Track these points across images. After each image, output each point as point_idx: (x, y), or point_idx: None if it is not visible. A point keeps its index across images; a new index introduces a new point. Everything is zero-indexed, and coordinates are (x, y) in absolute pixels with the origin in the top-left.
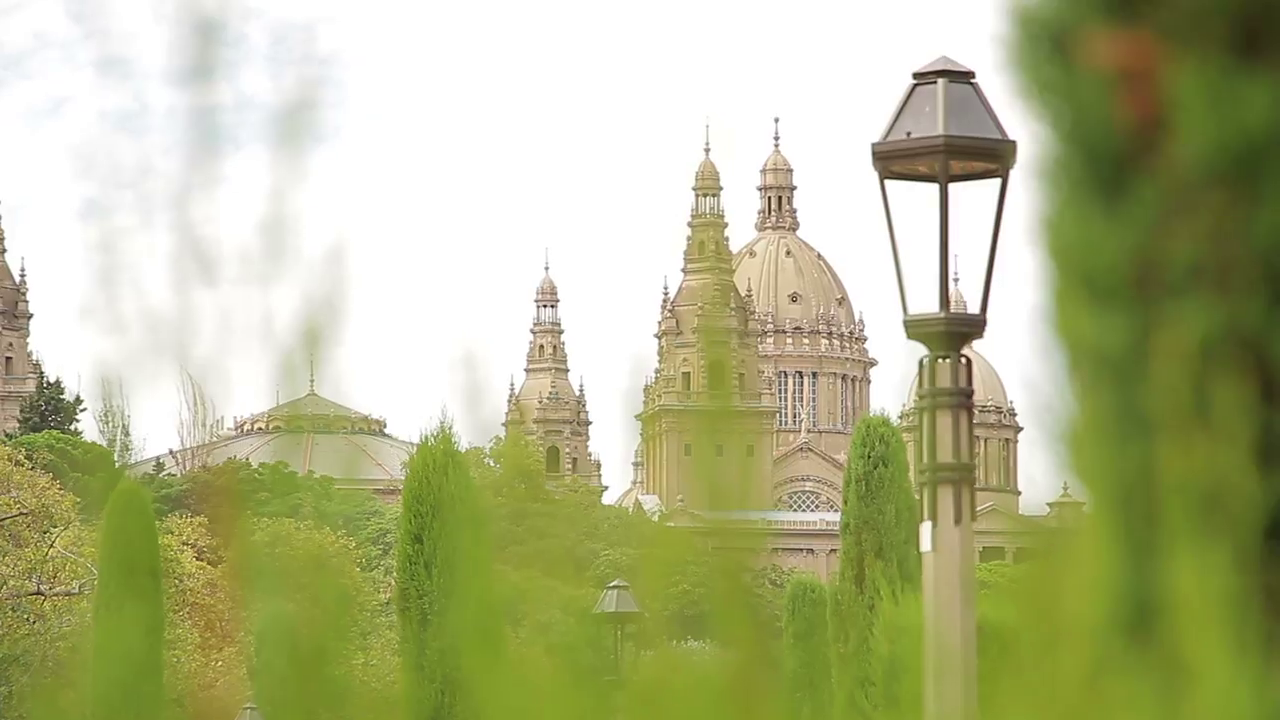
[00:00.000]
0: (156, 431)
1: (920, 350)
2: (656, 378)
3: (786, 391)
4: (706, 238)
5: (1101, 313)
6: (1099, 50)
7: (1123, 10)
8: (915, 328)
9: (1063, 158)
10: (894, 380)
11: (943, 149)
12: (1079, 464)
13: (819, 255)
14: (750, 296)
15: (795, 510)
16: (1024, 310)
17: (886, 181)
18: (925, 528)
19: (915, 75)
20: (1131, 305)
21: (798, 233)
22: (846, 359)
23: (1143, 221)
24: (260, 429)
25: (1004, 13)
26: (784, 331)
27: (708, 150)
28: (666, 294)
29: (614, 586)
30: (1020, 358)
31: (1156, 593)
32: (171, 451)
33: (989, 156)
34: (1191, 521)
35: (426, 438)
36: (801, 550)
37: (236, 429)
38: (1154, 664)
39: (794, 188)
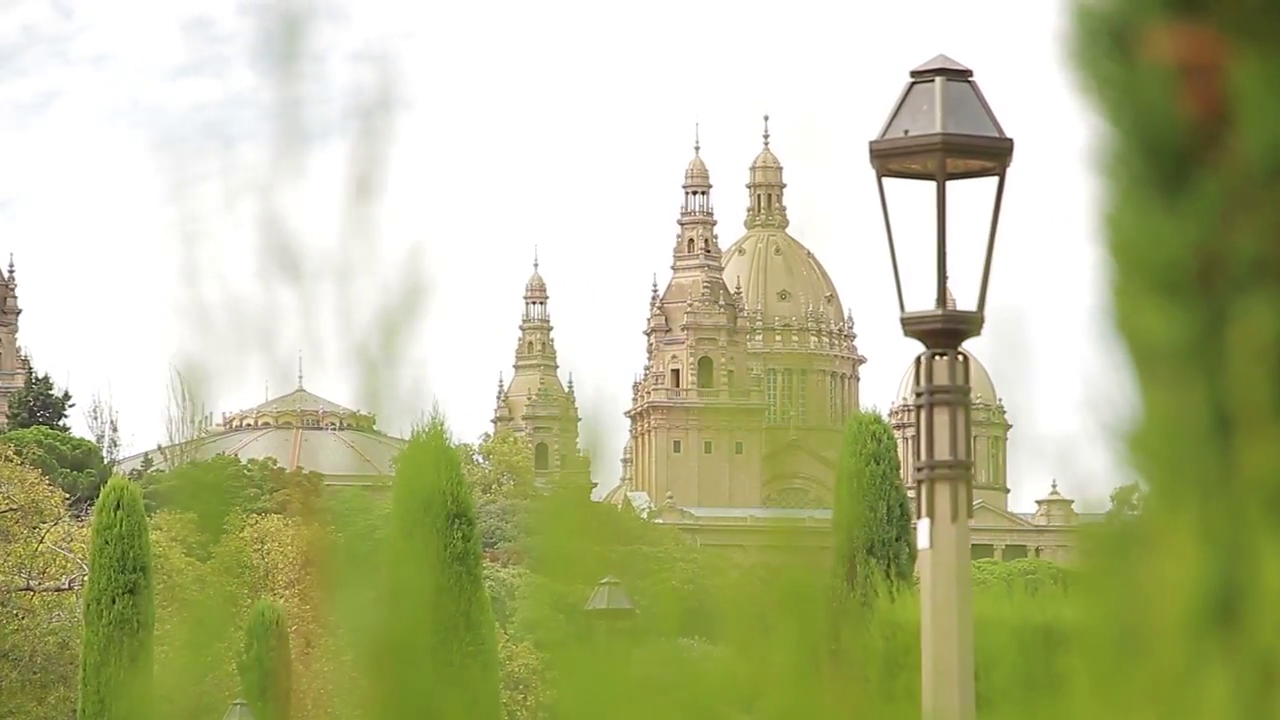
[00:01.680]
0: (144, 428)
1: (911, 348)
2: (645, 375)
3: (775, 389)
4: (696, 235)
5: (1165, 308)
6: (1160, 45)
7: (1184, 4)
8: (912, 325)
9: (1123, 153)
10: (883, 377)
11: (940, 147)
12: (1140, 460)
13: (808, 253)
14: (739, 294)
15: (785, 507)
16: (1004, 307)
17: (884, 179)
18: (923, 525)
19: (913, 73)
20: (1195, 300)
21: (787, 230)
22: (836, 356)
23: (1205, 216)
24: (249, 425)
25: (1063, 8)
26: (773, 329)
27: (697, 148)
28: (656, 291)
29: (605, 583)
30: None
31: (1239, 588)
32: (160, 447)
33: (986, 155)
34: (1272, 515)
35: (418, 433)
36: (791, 547)
37: (226, 425)
38: (1240, 660)
39: (783, 185)
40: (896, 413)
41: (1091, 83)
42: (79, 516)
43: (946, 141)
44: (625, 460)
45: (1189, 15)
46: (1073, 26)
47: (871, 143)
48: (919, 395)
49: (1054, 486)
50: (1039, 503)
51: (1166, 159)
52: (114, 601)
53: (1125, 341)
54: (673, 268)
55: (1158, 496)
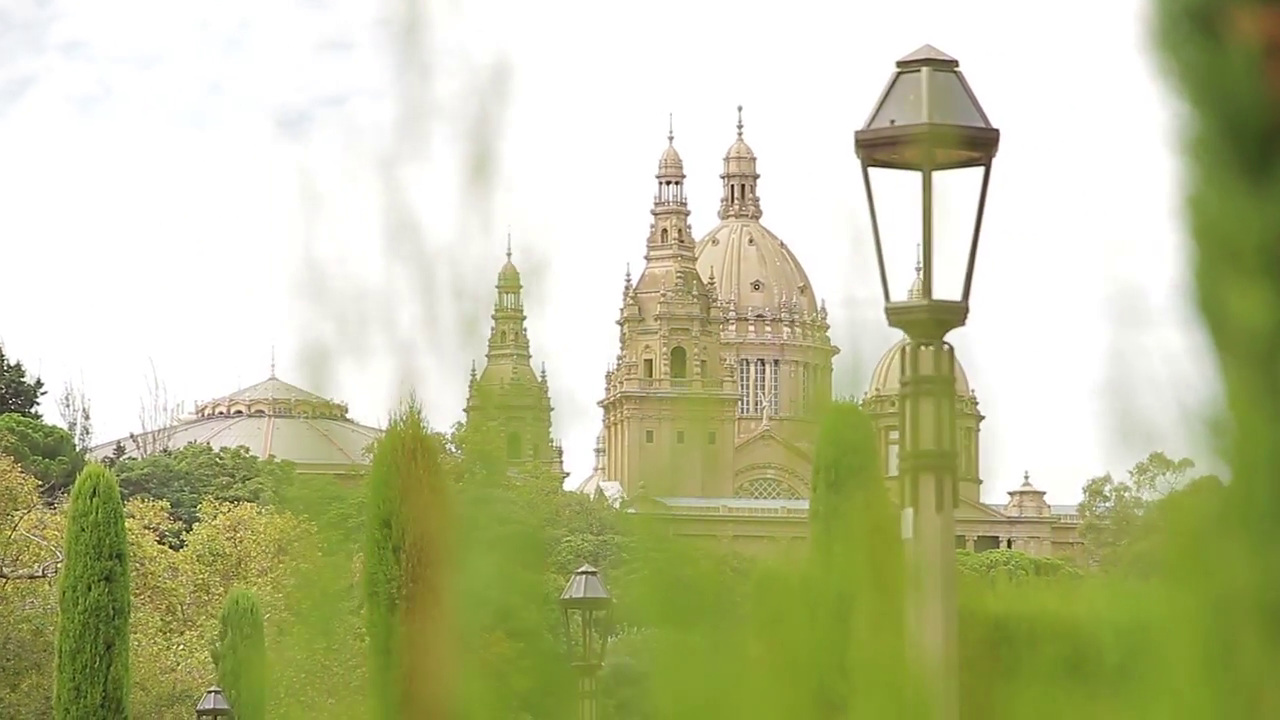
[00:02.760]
0: (117, 415)
1: (886, 340)
2: (619, 364)
3: (748, 379)
4: (669, 225)
5: (1249, 290)
6: (1245, 27)
7: None
8: (897, 315)
9: (1206, 136)
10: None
11: (927, 137)
12: (1223, 442)
13: (781, 243)
14: (713, 284)
15: (757, 497)
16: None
17: (870, 169)
18: (907, 514)
19: (899, 64)
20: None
21: (760, 221)
22: (808, 346)
23: None
24: (221, 413)
25: None
26: (746, 319)
27: (671, 138)
28: (629, 281)
29: (582, 572)
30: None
31: None
32: (132, 435)
33: (972, 145)
34: None
35: (395, 421)
36: (763, 537)
37: (197, 413)
38: None
39: (757, 176)
40: (868, 403)
41: (1174, 66)
42: (52, 504)
43: (933, 131)
44: (598, 450)
45: None
46: (1155, 10)
47: (858, 132)
48: (904, 385)
49: (1026, 478)
50: (1011, 494)
51: (1251, 141)
52: (90, 589)
53: (1207, 324)
54: (646, 258)
55: (1241, 479)
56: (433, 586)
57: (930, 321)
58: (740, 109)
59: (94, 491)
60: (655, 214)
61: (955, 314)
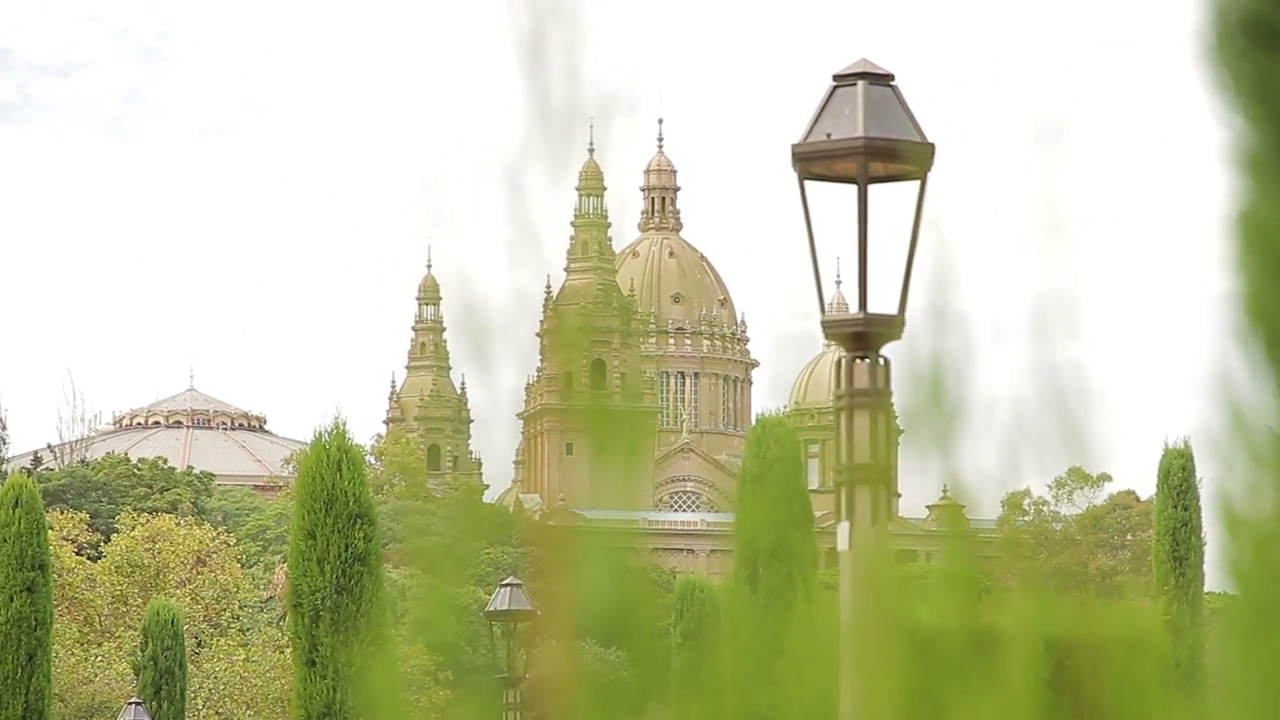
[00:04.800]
0: (33, 425)
1: (804, 354)
2: (539, 376)
3: (669, 392)
4: (590, 237)
5: None
6: None
7: None
8: (833, 328)
9: (1261, 150)
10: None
11: (862, 150)
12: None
13: (702, 256)
14: (633, 296)
15: (676, 510)
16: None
17: (806, 183)
18: (842, 527)
19: (835, 77)
20: None
21: (681, 234)
22: (728, 360)
23: None
24: (139, 424)
25: (1199, 5)
26: (666, 332)
27: (591, 150)
28: (550, 293)
29: (507, 584)
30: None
31: None
32: (50, 445)
33: (908, 159)
34: None
35: (319, 434)
36: (682, 550)
37: (115, 424)
38: None
39: (677, 189)
40: (791, 415)
41: (1228, 80)
42: None
43: (869, 145)
44: (518, 462)
45: None
46: (1209, 24)
47: (794, 146)
48: (839, 398)
49: (945, 491)
50: (929, 507)
51: None
52: (11, 599)
53: (1261, 335)
54: (566, 270)
55: None
56: (356, 598)
57: (866, 335)
58: (661, 121)
59: (16, 502)
60: (575, 226)
61: (891, 327)
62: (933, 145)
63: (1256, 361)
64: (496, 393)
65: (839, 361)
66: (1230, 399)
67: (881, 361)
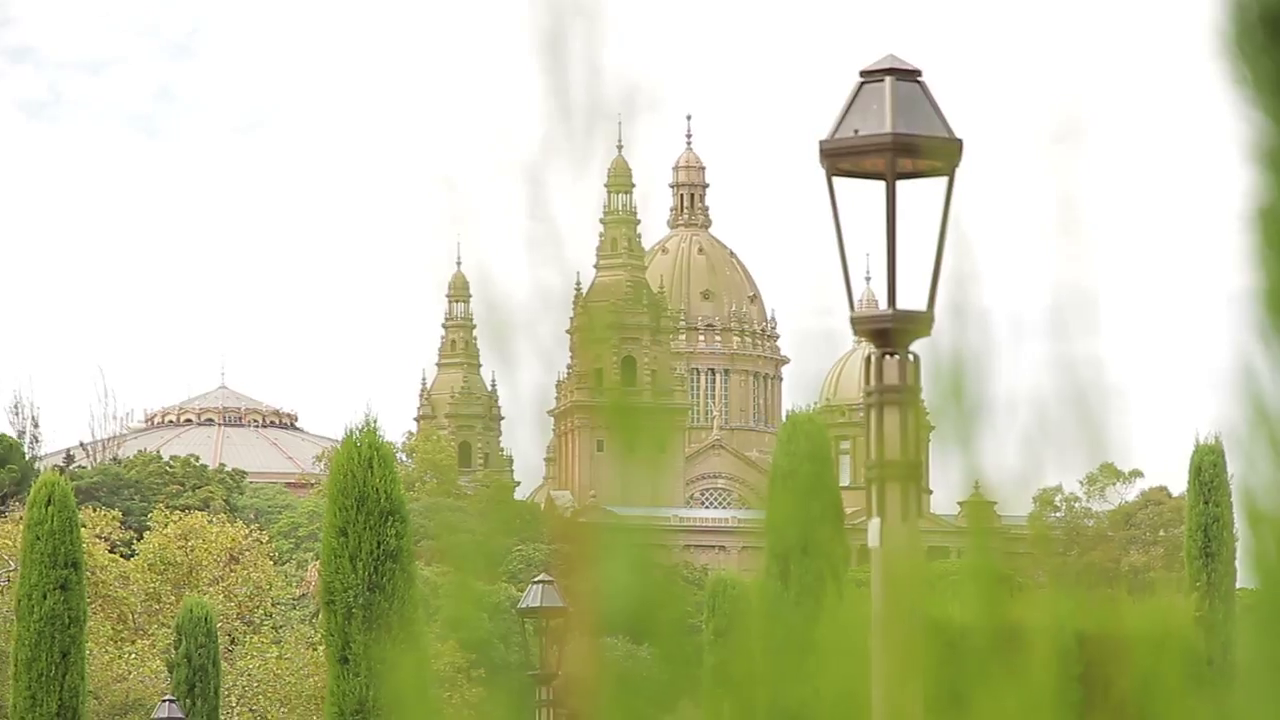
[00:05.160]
0: (66, 424)
1: (835, 350)
2: (569, 373)
3: (698, 388)
4: (619, 234)
5: None
6: None
7: None
8: (862, 325)
9: None
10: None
11: (890, 146)
12: None
13: (731, 253)
14: (662, 293)
15: (707, 507)
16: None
17: (834, 179)
18: (873, 524)
19: (863, 73)
20: None
21: (710, 230)
22: (758, 356)
23: None
24: (171, 422)
25: (1220, 1)
26: (696, 328)
27: (620, 147)
28: (579, 290)
29: (539, 581)
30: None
31: None
32: (82, 443)
33: (936, 154)
34: None
35: (350, 432)
36: (714, 547)
37: (147, 422)
38: None
39: (706, 185)
40: (821, 412)
41: (1249, 76)
42: (1, 512)
43: (897, 141)
44: (548, 459)
45: None
46: (1230, 19)
47: (822, 142)
48: (869, 395)
49: (976, 487)
50: (960, 504)
51: None
52: (45, 597)
53: None
54: (596, 267)
55: None
56: (388, 595)
57: (896, 331)
58: (689, 118)
59: (49, 500)
60: (604, 223)
61: (920, 323)
62: (960, 141)
63: (1278, 356)
64: (526, 390)
65: (868, 358)
66: (1252, 394)
67: (911, 358)
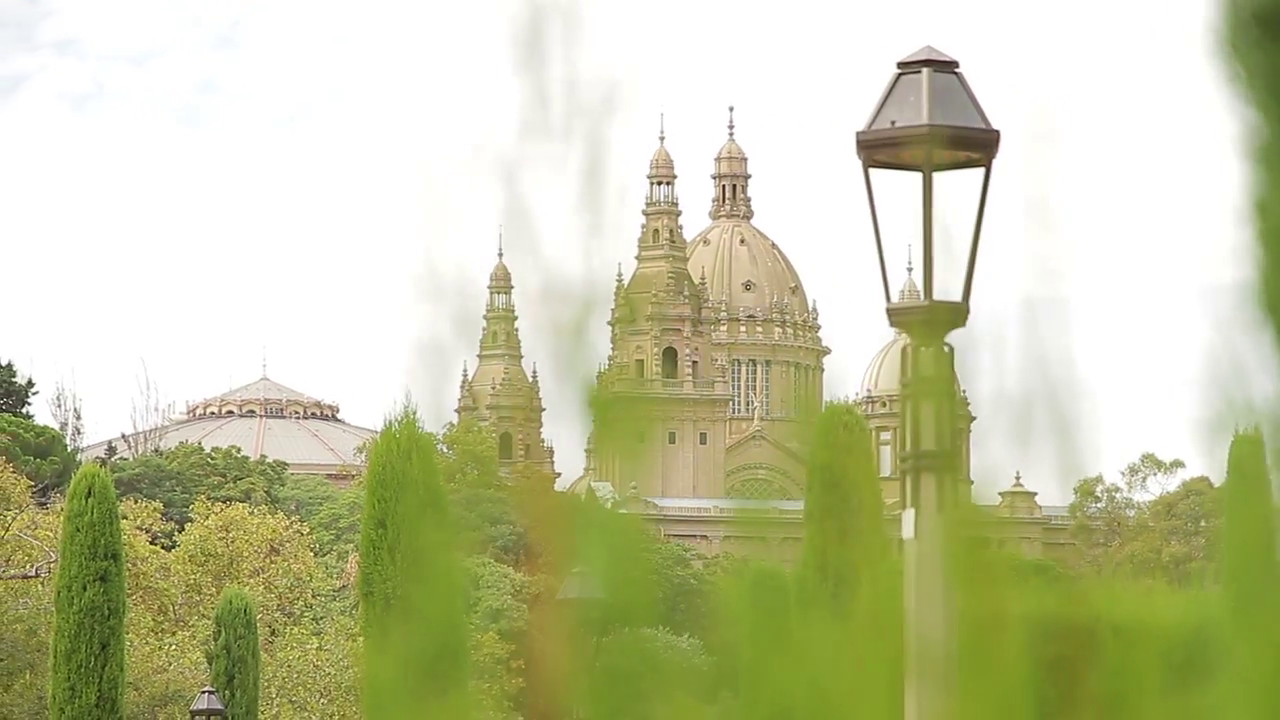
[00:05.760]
0: (108, 415)
1: (876, 340)
2: (609, 365)
3: (740, 379)
4: (660, 225)
5: None
6: None
7: None
8: (898, 316)
9: (1276, 141)
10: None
11: (927, 138)
12: None
13: (773, 244)
14: (704, 284)
15: (748, 498)
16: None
17: (870, 170)
18: (907, 515)
19: (900, 65)
20: None
21: (752, 221)
22: (799, 347)
23: None
24: (213, 413)
25: (1215, 1)
26: (738, 319)
27: (662, 138)
28: (621, 281)
29: (578, 572)
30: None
31: None
32: (124, 435)
33: (973, 146)
34: None
35: (390, 422)
36: (755, 538)
37: (189, 413)
38: None
39: (748, 176)
40: (861, 404)
41: (1242, 72)
42: (44, 504)
43: (934, 132)
44: (589, 450)
45: None
46: (1223, 16)
47: (859, 133)
48: (905, 386)
49: (1017, 478)
50: (1002, 494)
51: None
52: (85, 588)
53: (1274, 324)
54: (637, 258)
55: None
56: (428, 586)
57: (931, 322)
58: (731, 109)
59: (89, 491)
60: (646, 214)
61: (956, 315)
62: (997, 132)
63: (1270, 347)
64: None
65: (904, 349)
66: (1237, 390)
67: (946, 349)
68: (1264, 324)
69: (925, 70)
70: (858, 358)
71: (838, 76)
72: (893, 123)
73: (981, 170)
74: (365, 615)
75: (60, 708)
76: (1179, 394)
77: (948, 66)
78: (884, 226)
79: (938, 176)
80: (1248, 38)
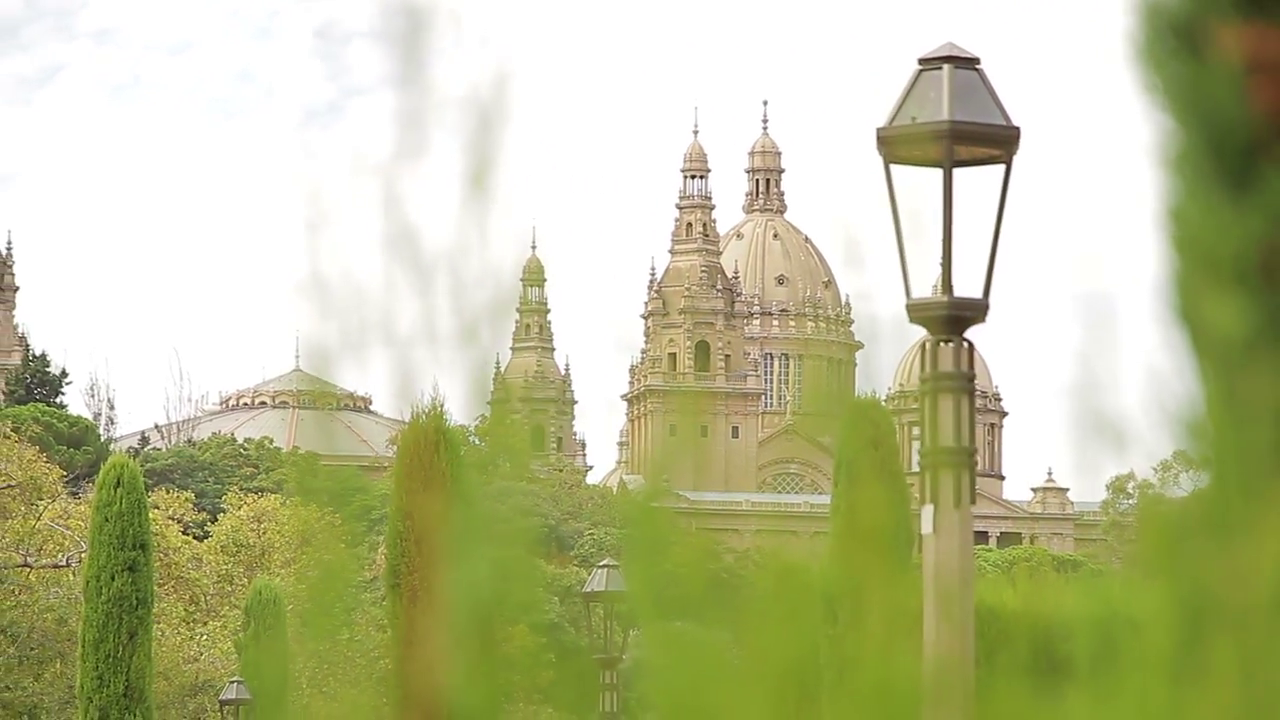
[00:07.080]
0: (141, 405)
1: (911, 335)
2: (643, 358)
3: (772, 373)
4: (694, 219)
5: (1228, 300)
6: (1229, 44)
7: (1253, 4)
8: (918, 311)
9: (1189, 150)
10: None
11: (948, 134)
12: (1202, 446)
13: (806, 238)
14: (737, 278)
15: (779, 492)
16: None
17: (891, 166)
18: (926, 511)
19: (921, 61)
20: (1258, 292)
21: (785, 215)
22: (832, 341)
23: (1271, 211)
24: (246, 404)
25: (1130, 7)
26: (770, 313)
27: (696, 132)
28: (654, 275)
29: (604, 566)
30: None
31: None
32: (157, 425)
33: (993, 142)
34: None
35: (418, 414)
36: (786, 532)
37: (222, 404)
38: None
39: (782, 170)
40: (892, 399)
41: (1158, 81)
42: (76, 494)
43: (954, 129)
44: (621, 443)
45: (1258, 14)
46: (1140, 25)
47: (879, 129)
48: (924, 382)
49: (1049, 473)
50: (1034, 490)
51: (1233, 156)
52: (113, 578)
53: (1188, 332)
54: (671, 252)
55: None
56: (455, 578)
57: (950, 318)
58: (765, 103)
59: (118, 481)
60: (680, 208)
61: (975, 310)
62: (1018, 129)
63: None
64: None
65: (923, 345)
66: (1158, 397)
67: (966, 345)
68: (1177, 329)
69: (946, 66)
70: (889, 352)
71: (872, 71)
72: (913, 119)
73: (1002, 166)
74: (391, 607)
75: (88, 697)
76: None
77: (969, 63)
78: (919, 223)
79: (958, 172)
80: (1164, 48)
